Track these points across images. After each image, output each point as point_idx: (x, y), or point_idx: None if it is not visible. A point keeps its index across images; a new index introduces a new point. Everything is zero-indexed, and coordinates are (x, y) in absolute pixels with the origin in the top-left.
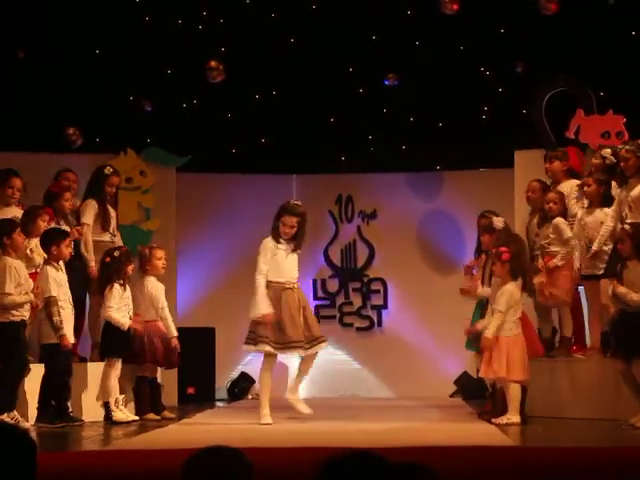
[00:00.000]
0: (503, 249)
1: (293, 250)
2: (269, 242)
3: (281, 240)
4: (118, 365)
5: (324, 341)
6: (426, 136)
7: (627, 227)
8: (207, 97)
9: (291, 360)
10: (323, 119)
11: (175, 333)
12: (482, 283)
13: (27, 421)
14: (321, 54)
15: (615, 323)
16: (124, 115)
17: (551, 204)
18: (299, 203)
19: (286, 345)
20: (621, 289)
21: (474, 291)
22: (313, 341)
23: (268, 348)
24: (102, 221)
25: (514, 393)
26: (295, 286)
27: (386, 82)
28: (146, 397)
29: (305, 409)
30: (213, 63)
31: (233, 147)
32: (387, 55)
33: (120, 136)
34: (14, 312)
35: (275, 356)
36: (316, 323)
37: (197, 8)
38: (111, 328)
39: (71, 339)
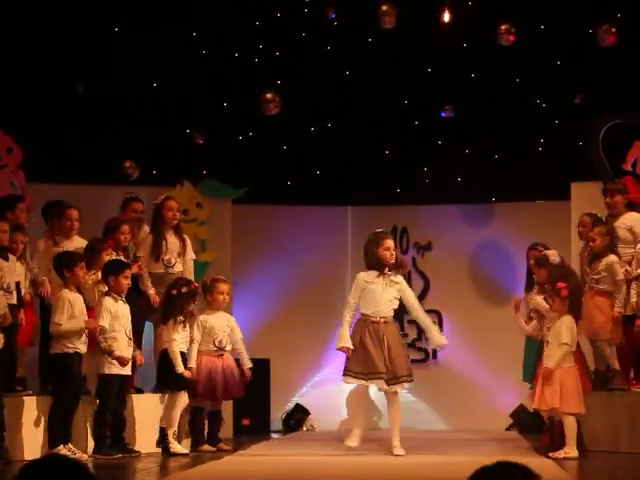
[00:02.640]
0: (561, 285)
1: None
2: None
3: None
4: (183, 397)
5: (406, 381)
6: (481, 168)
7: None
8: (263, 129)
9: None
10: (378, 151)
11: (249, 364)
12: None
13: (84, 453)
14: (376, 86)
15: None
16: (180, 147)
17: (596, 238)
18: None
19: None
20: None
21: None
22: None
23: (350, 380)
24: (155, 252)
25: (570, 426)
26: (382, 320)
27: (443, 114)
28: (202, 428)
29: (398, 451)
30: (269, 95)
31: (288, 179)
32: (443, 87)
33: (176, 168)
34: (68, 344)
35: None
36: (400, 360)
37: (253, 41)
38: (168, 359)
39: (125, 371)
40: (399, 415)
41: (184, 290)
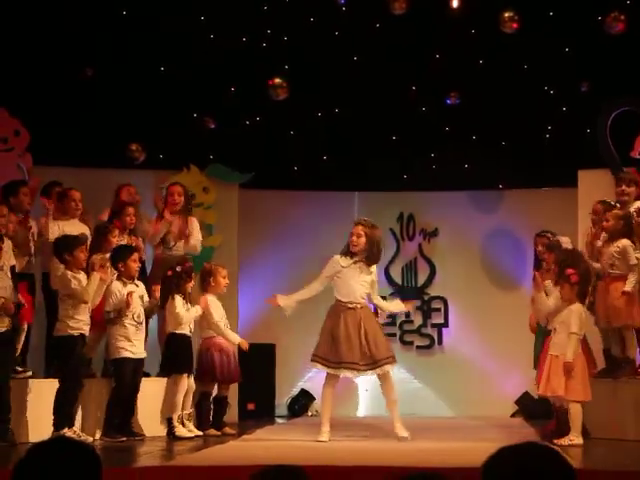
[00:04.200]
0: (571, 271)
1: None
2: None
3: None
4: (184, 381)
5: (386, 364)
6: (488, 154)
7: None
8: (270, 114)
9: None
10: (385, 137)
11: (237, 340)
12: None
13: (91, 435)
14: (384, 72)
15: None
16: (187, 132)
17: (610, 219)
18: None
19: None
20: None
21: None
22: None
23: (319, 367)
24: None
25: (576, 413)
26: (358, 306)
27: (448, 101)
28: (207, 413)
29: (401, 432)
30: (277, 80)
31: (295, 164)
32: (450, 74)
33: (183, 153)
34: (73, 326)
35: (334, 375)
36: (378, 344)
37: (261, 26)
38: (173, 343)
39: (140, 355)
40: (392, 397)
41: (178, 269)
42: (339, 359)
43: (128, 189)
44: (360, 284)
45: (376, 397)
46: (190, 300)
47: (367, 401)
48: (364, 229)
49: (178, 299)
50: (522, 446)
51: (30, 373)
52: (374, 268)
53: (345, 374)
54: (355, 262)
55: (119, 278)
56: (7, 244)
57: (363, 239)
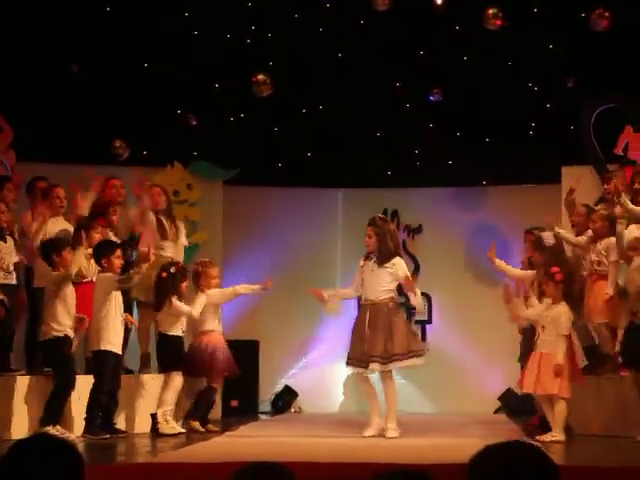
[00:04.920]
0: (556, 269)
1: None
2: None
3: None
4: (176, 379)
5: (396, 360)
6: (472, 151)
7: None
8: (254, 111)
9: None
10: (369, 134)
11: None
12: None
13: (72, 432)
14: (368, 69)
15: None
16: (171, 128)
17: (597, 221)
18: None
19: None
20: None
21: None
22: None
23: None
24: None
25: (561, 410)
26: (368, 303)
27: (431, 97)
28: (203, 406)
29: (391, 433)
30: (260, 77)
31: (279, 161)
32: (434, 70)
33: (167, 149)
34: (57, 327)
35: (361, 374)
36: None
37: (245, 22)
38: (167, 342)
39: (119, 350)
40: (390, 396)
41: (173, 270)
42: (349, 355)
43: (114, 182)
44: (374, 282)
45: (358, 394)
46: (184, 300)
47: (349, 398)
48: (373, 229)
49: (176, 301)
50: (507, 444)
51: (22, 372)
52: (397, 261)
53: (351, 369)
54: (370, 260)
55: (101, 273)
56: (10, 241)
57: (373, 239)
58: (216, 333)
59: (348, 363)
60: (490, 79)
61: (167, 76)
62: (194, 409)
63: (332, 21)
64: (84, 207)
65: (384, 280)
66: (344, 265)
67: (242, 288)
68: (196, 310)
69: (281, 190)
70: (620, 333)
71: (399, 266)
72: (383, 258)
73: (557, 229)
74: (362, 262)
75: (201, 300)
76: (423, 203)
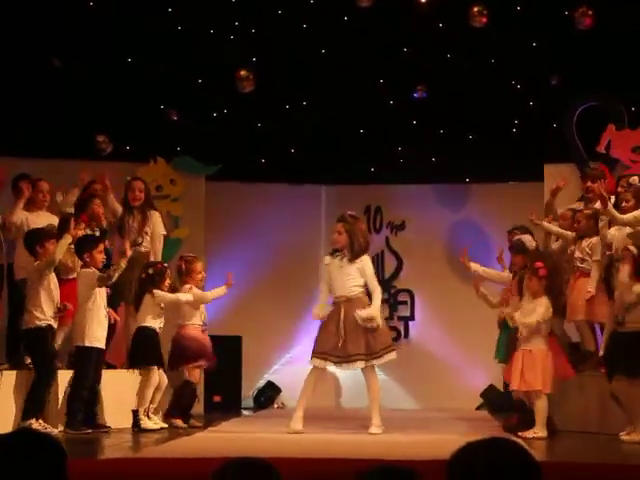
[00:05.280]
0: (539, 264)
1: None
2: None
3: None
4: (154, 375)
5: (360, 360)
6: (455, 148)
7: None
8: (237, 106)
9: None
10: (353, 130)
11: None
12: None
13: (54, 427)
14: (352, 65)
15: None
16: (154, 123)
17: (581, 220)
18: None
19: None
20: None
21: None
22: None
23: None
24: (120, 232)
25: (542, 407)
26: (342, 299)
27: (415, 94)
28: (184, 401)
29: (374, 429)
30: (243, 73)
31: (262, 157)
32: (418, 67)
33: (150, 144)
34: (40, 317)
35: (322, 369)
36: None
37: (229, 18)
38: (142, 337)
39: (103, 344)
40: (373, 392)
41: (151, 272)
42: (314, 349)
43: (100, 175)
44: (343, 278)
45: (340, 390)
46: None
47: (333, 393)
48: (344, 226)
49: (158, 291)
50: (488, 441)
51: (6, 366)
52: (365, 258)
53: (314, 363)
54: (337, 257)
55: (84, 267)
56: None
57: (344, 236)
58: (197, 326)
59: (313, 356)
60: (473, 77)
61: (150, 71)
62: (173, 406)
63: (316, 17)
64: (69, 202)
65: (353, 275)
66: None
67: (211, 294)
68: (184, 296)
69: (264, 186)
70: (605, 335)
71: (366, 263)
72: (355, 254)
73: (544, 223)
74: (328, 260)
75: (187, 290)
76: (406, 200)
